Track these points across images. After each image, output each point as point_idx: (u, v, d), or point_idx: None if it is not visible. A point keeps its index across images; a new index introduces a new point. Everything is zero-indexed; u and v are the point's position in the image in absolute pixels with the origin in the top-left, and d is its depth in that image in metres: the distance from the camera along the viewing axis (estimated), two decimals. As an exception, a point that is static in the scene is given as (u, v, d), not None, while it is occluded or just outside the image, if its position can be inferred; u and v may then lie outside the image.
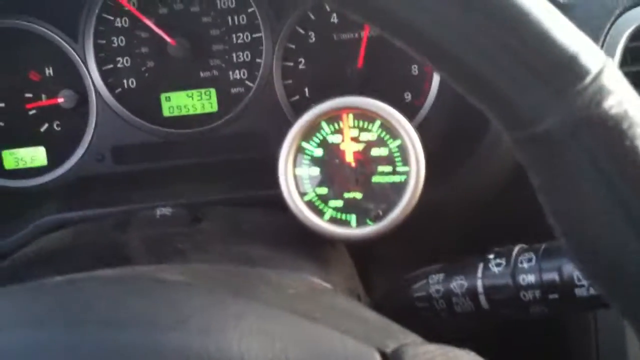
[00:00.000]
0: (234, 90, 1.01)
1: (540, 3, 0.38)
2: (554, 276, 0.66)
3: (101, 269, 0.63)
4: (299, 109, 0.99)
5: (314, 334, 0.46)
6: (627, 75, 0.80)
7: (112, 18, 0.99)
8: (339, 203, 0.78)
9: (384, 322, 0.58)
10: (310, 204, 0.78)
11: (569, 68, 0.38)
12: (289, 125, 0.80)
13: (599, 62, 0.38)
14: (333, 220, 0.78)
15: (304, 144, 0.78)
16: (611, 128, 0.38)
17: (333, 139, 0.78)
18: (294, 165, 0.78)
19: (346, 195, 0.78)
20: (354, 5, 0.40)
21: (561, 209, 0.41)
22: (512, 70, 0.38)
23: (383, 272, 0.93)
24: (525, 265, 0.68)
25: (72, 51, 0.98)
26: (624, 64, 0.83)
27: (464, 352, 0.49)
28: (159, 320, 0.44)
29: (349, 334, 0.47)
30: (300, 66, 1.00)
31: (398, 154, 0.77)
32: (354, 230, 0.77)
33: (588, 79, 0.38)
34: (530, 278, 0.67)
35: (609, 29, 0.84)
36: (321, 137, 0.78)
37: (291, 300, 0.57)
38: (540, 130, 0.38)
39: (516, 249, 0.70)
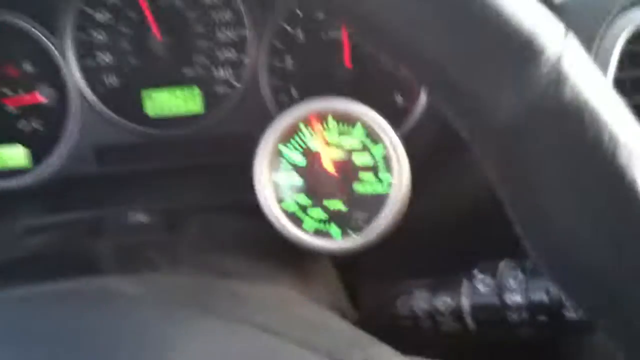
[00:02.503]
0: (219, 90, 0.97)
1: None
2: (541, 296, 0.62)
3: (67, 278, 0.61)
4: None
5: (270, 348, 0.44)
6: (624, 80, 0.76)
7: (92, 12, 0.95)
8: (319, 212, 0.74)
9: (354, 333, 0.55)
10: (288, 213, 0.74)
11: (523, 50, 0.34)
12: (275, 127, 0.76)
13: (557, 44, 0.35)
14: (314, 231, 0.74)
15: (282, 148, 0.74)
16: (571, 118, 0.35)
17: (312, 143, 0.74)
18: (272, 171, 0.74)
19: (327, 204, 0.74)
20: None
21: (520, 206, 0.38)
22: (460, 51, 0.35)
23: (371, 284, 0.90)
24: (512, 283, 0.64)
25: (51, 46, 0.95)
26: (621, 68, 0.79)
27: None
28: (103, 337, 0.43)
29: (310, 347, 0.44)
30: (288, 65, 0.96)
31: (382, 160, 0.73)
32: (336, 242, 0.73)
33: (545, 65, 0.34)
34: (517, 297, 0.64)
35: (605, 30, 0.80)
36: (300, 141, 0.74)
37: (252, 312, 0.54)
38: (492, 121, 0.35)
39: (502, 264, 0.66)
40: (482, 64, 0.35)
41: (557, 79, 0.34)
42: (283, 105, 0.96)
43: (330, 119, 0.73)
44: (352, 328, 0.57)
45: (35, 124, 0.98)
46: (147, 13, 0.93)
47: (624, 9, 0.81)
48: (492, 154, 0.37)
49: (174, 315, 0.46)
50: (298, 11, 0.94)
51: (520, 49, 0.34)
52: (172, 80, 0.97)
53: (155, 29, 0.93)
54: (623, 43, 0.79)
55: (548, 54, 0.34)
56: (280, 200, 0.74)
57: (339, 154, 0.74)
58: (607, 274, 0.36)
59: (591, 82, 0.35)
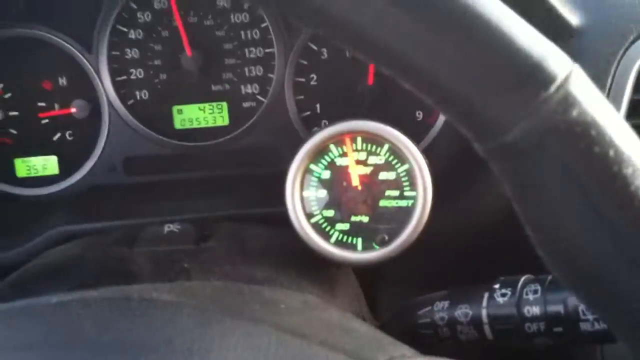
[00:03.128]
0: (245, 105, 1.01)
1: (503, 11, 0.38)
2: (559, 309, 0.65)
3: (106, 285, 0.64)
4: (310, 125, 1.00)
5: (300, 350, 0.47)
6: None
7: (126, 30, 0.99)
8: (345, 226, 0.78)
9: (376, 335, 0.58)
10: (316, 226, 0.78)
11: (533, 76, 0.37)
12: (299, 140, 0.80)
13: (565, 69, 0.38)
14: (339, 243, 0.78)
15: (312, 166, 0.78)
16: (579, 135, 0.37)
17: (341, 161, 0.78)
18: (302, 187, 0.78)
19: (353, 218, 0.78)
20: (294, 6, 0.39)
21: (534, 218, 0.40)
22: (476, 79, 0.38)
23: (390, 294, 0.93)
24: (531, 296, 0.67)
25: (86, 62, 0.99)
26: (636, 91, 0.82)
27: None
28: (144, 343, 0.45)
29: (337, 349, 0.47)
30: (312, 82, 1.00)
31: (406, 178, 0.77)
32: (360, 254, 0.77)
33: (553, 87, 0.37)
34: (535, 310, 0.67)
35: (622, 55, 0.83)
36: (329, 160, 0.78)
37: (281, 316, 0.57)
38: (507, 141, 0.38)
39: (522, 279, 0.69)
40: (496, 89, 0.37)
41: (565, 100, 0.37)
42: (307, 119, 1.00)
43: (359, 140, 0.77)
44: (376, 331, 0.60)
45: (68, 136, 1.02)
46: (182, 30, 0.96)
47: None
48: (507, 172, 0.40)
49: (206, 320, 0.49)
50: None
51: (531, 73, 0.37)
52: (201, 95, 1.01)
53: (187, 46, 0.97)
54: (639, 67, 0.83)
55: (556, 78, 0.37)
56: (309, 215, 0.78)
57: (365, 172, 0.78)
58: (618, 281, 0.39)
59: (596, 102, 0.38)
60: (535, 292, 0.67)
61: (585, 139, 0.37)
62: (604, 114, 0.38)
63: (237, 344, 0.46)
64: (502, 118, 0.38)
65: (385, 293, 0.93)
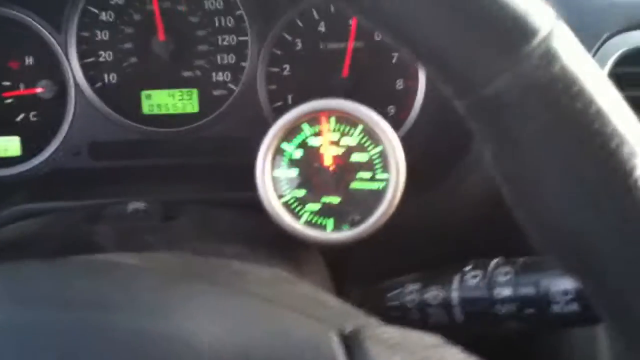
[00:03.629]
0: (216, 92, 1.00)
1: None
2: (530, 291, 0.65)
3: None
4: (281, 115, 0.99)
5: (269, 314, 0.45)
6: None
7: (97, 11, 0.97)
8: (316, 206, 0.77)
9: (345, 307, 0.57)
10: (286, 206, 0.76)
11: (516, 29, 0.37)
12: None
13: (548, 23, 0.37)
14: (309, 223, 0.76)
15: (284, 145, 0.77)
16: (560, 91, 0.37)
17: (313, 141, 0.77)
18: (273, 167, 0.76)
19: (324, 199, 0.77)
20: None
21: (512, 176, 0.40)
22: (459, 31, 0.37)
23: (359, 282, 0.92)
24: (502, 278, 0.67)
25: (54, 41, 0.97)
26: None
27: (426, 336, 0.48)
28: (107, 300, 0.43)
29: (308, 315, 0.46)
30: (285, 72, 0.99)
31: (378, 160, 0.76)
32: (330, 234, 0.76)
33: (536, 41, 0.37)
34: (506, 291, 0.66)
35: (595, 53, 0.84)
36: (301, 139, 0.77)
37: (249, 285, 0.56)
38: (487, 94, 0.37)
39: (494, 261, 0.69)
40: (477, 41, 0.37)
41: (548, 54, 0.37)
42: (278, 110, 0.99)
43: (333, 120, 0.76)
44: (345, 304, 0.59)
45: (32, 117, 0.99)
46: (157, 14, 0.95)
47: (614, 33, 0.85)
48: (486, 128, 0.39)
49: (174, 283, 0.47)
50: (299, 21, 0.98)
51: (514, 26, 0.36)
52: (172, 81, 1.00)
53: (160, 31, 0.96)
54: (611, 65, 0.84)
55: (539, 32, 0.36)
56: (279, 195, 0.76)
57: (338, 153, 0.77)
58: (593, 241, 0.39)
59: (578, 59, 0.38)
60: (507, 274, 0.67)
61: (566, 95, 0.37)
62: (586, 71, 0.38)
63: (205, 305, 0.44)
64: (482, 70, 0.37)
65: (355, 283, 0.92)
